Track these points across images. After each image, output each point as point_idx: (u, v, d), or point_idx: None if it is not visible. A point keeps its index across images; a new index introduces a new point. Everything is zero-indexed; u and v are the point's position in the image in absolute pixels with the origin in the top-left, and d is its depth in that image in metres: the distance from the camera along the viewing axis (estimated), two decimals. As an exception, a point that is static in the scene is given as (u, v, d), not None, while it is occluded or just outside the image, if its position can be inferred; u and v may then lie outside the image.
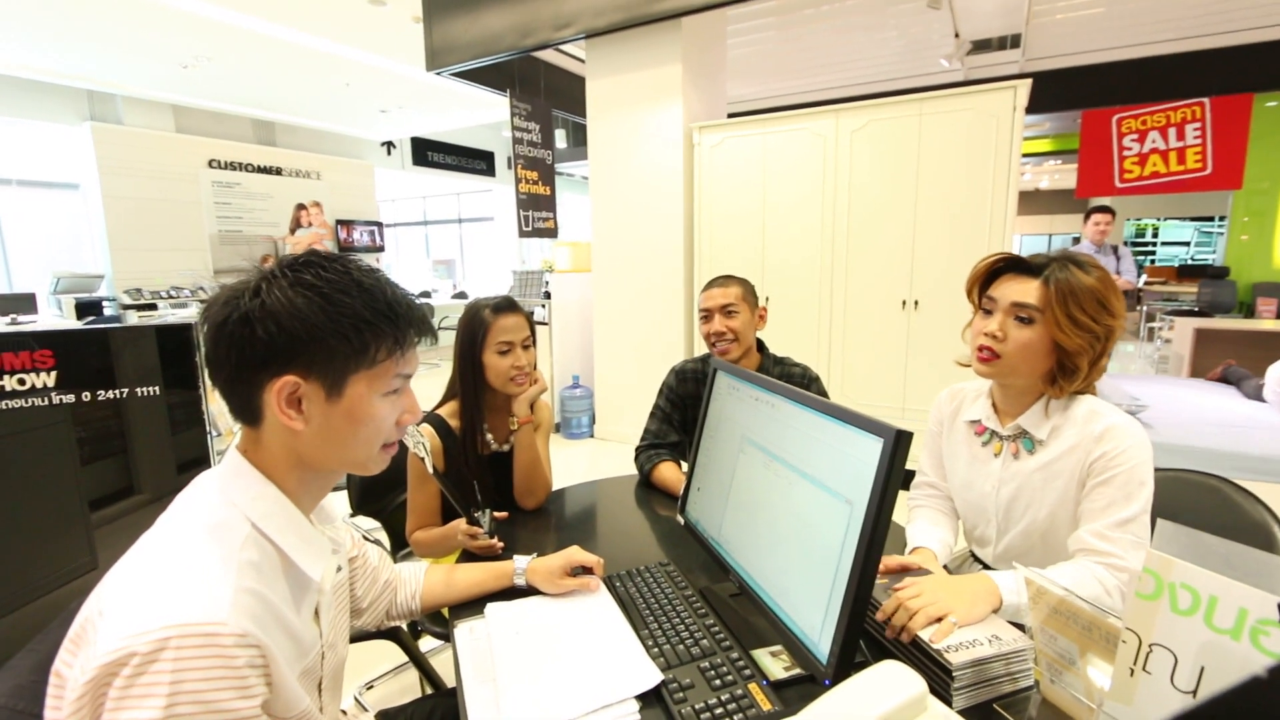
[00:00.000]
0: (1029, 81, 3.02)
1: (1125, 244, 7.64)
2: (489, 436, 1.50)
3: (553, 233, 5.04)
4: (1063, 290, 1.01)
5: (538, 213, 4.89)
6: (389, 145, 9.14)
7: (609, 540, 1.38)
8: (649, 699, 0.82)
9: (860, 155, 3.46)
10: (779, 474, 0.95)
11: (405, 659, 1.74)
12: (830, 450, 0.84)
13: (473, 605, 1.06)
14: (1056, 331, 1.02)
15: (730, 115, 4.14)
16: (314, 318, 0.65)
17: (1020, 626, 0.87)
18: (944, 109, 3.22)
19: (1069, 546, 1.03)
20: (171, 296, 6.49)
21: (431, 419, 1.46)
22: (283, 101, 7.01)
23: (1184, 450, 2.65)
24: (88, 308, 5.84)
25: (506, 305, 1.46)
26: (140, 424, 1.71)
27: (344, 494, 1.65)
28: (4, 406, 1.52)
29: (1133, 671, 0.64)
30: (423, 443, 1.24)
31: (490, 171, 10.44)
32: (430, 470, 1.23)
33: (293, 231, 7.96)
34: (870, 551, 0.74)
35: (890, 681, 0.65)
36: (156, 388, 1.73)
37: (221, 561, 0.61)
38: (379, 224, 8.98)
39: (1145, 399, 3.24)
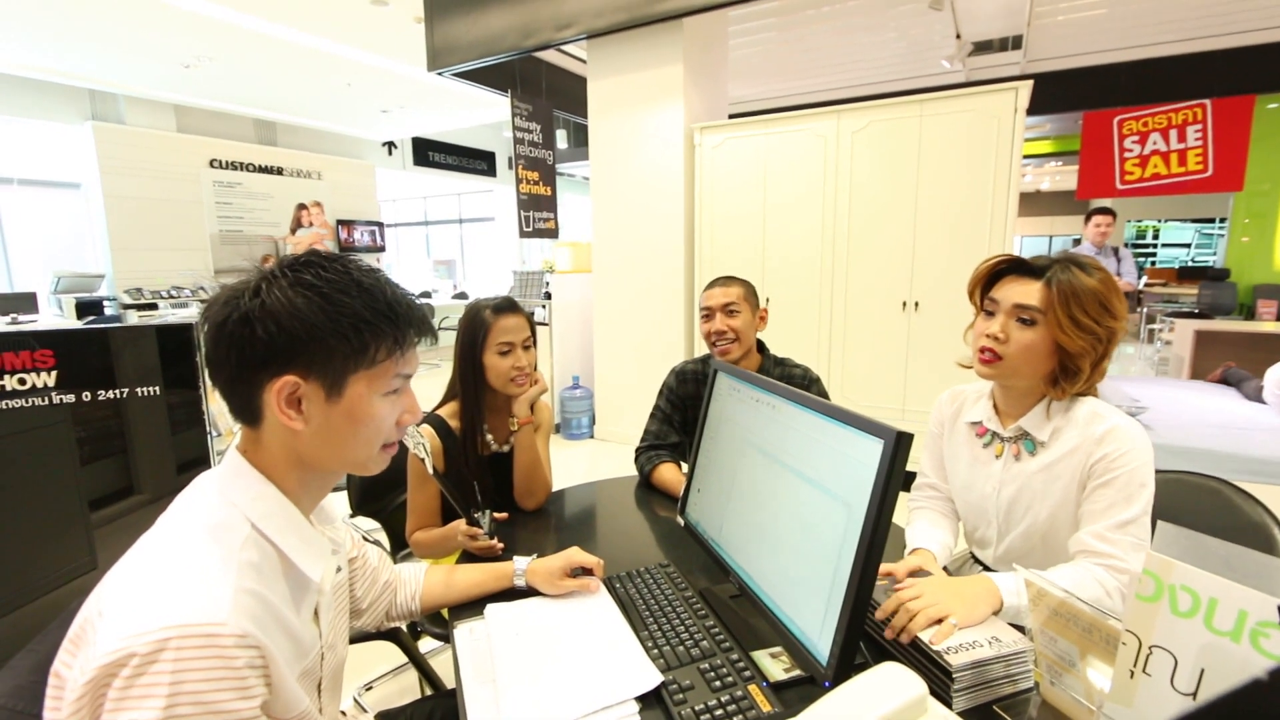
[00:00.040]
0: (1030, 83, 3.02)
1: (1126, 245, 7.63)
2: (489, 437, 1.50)
3: (553, 233, 5.04)
4: (1065, 292, 1.01)
5: (538, 213, 4.89)
6: (390, 145, 9.15)
7: (609, 541, 1.38)
8: (649, 700, 0.82)
9: (861, 156, 3.46)
10: (779, 475, 0.95)
11: (405, 660, 1.74)
12: (831, 451, 0.83)
13: (472, 606, 1.06)
14: (1058, 333, 1.02)
15: (731, 116, 4.14)
16: (314, 318, 0.65)
17: (1020, 628, 0.87)
18: (945, 110, 3.22)
19: (1069, 548, 1.03)
20: (172, 296, 6.50)
21: (432, 419, 1.46)
22: (284, 101, 7.02)
23: (1184, 452, 2.65)
24: (88, 307, 5.84)
25: (507, 306, 1.46)
26: (140, 424, 1.71)
27: (344, 494, 1.65)
28: (4, 406, 1.52)
29: (1133, 673, 0.64)
30: (423, 443, 1.24)
31: (491, 172, 10.44)
32: (430, 471, 1.23)
33: (293, 231, 7.96)
34: (870, 553, 0.74)
35: (890, 683, 0.65)
36: (157, 388, 1.73)
37: (221, 562, 0.61)
38: (380, 224, 8.98)
39: (1145, 401, 3.24)
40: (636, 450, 1.73)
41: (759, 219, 3.81)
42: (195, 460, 1.81)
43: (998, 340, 1.07)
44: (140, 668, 0.53)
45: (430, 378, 6.35)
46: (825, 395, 1.62)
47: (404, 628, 1.30)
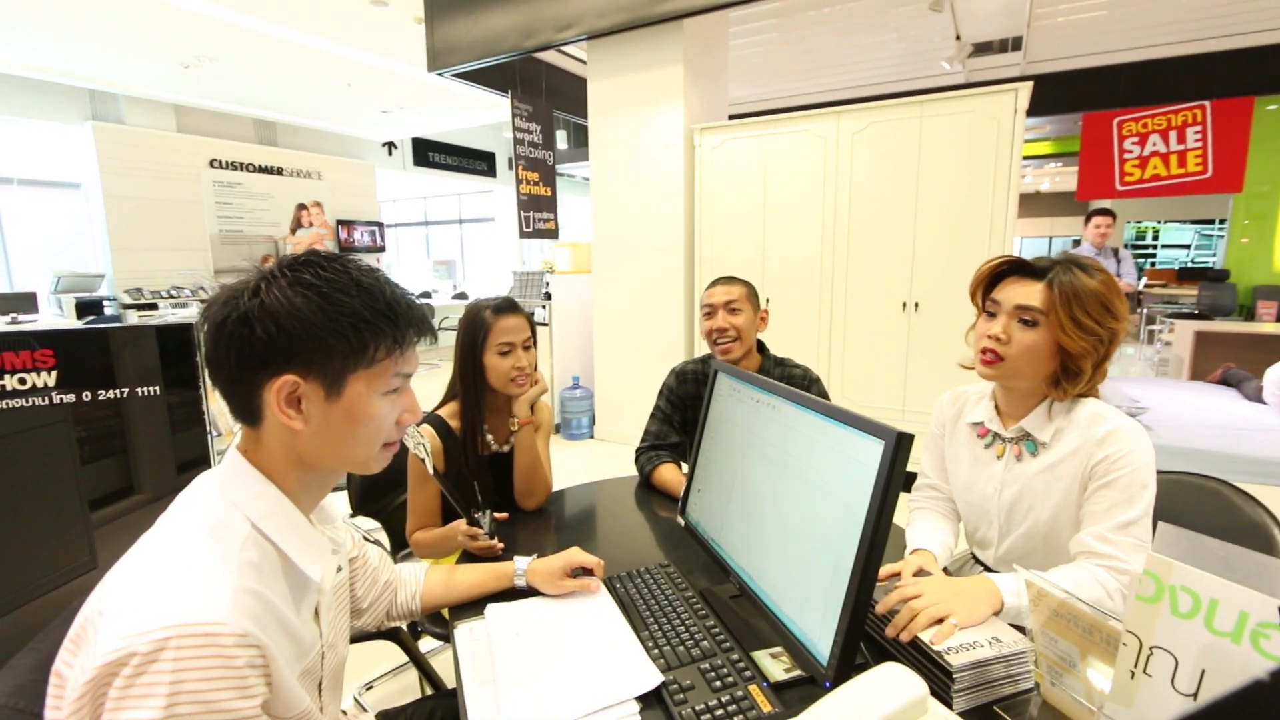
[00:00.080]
0: (1030, 84, 3.02)
1: (1125, 247, 7.63)
2: (489, 437, 1.50)
3: (553, 234, 5.04)
4: (1066, 293, 1.02)
5: (539, 214, 4.89)
6: (390, 145, 9.15)
7: (609, 541, 1.38)
8: (649, 700, 0.82)
9: (861, 157, 3.47)
10: (780, 476, 0.95)
11: (405, 659, 1.74)
12: (831, 452, 0.84)
13: (473, 606, 1.06)
14: (1060, 334, 1.02)
15: (731, 116, 4.14)
16: (313, 317, 0.65)
17: (1021, 629, 0.87)
18: (945, 111, 3.22)
19: (1070, 549, 1.03)
20: (172, 296, 6.50)
21: (432, 419, 1.47)
22: (284, 101, 7.02)
23: (1184, 453, 2.65)
24: (88, 307, 5.84)
25: (507, 306, 1.46)
26: (140, 424, 1.71)
27: (344, 494, 1.65)
28: (4, 406, 1.52)
29: (1133, 674, 0.64)
30: (423, 443, 1.24)
31: (491, 172, 10.45)
32: (430, 471, 1.23)
33: (293, 231, 7.96)
34: (871, 554, 0.74)
35: (891, 683, 0.65)
36: (157, 387, 1.73)
37: (221, 561, 0.61)
38: (380, 224, 8.98)
39: (1145, 401, 3.24)
40: (637, 450, 1.73)
41: (759, 219, 3.81)
42: (195, 460, 1.81)
43: (999, 341, 1.07)
44: (141, 667, 0.53)
45: (430, 378, 6.35)
46: (825, 396, 1.62)
47: (404, 627, 1.30)
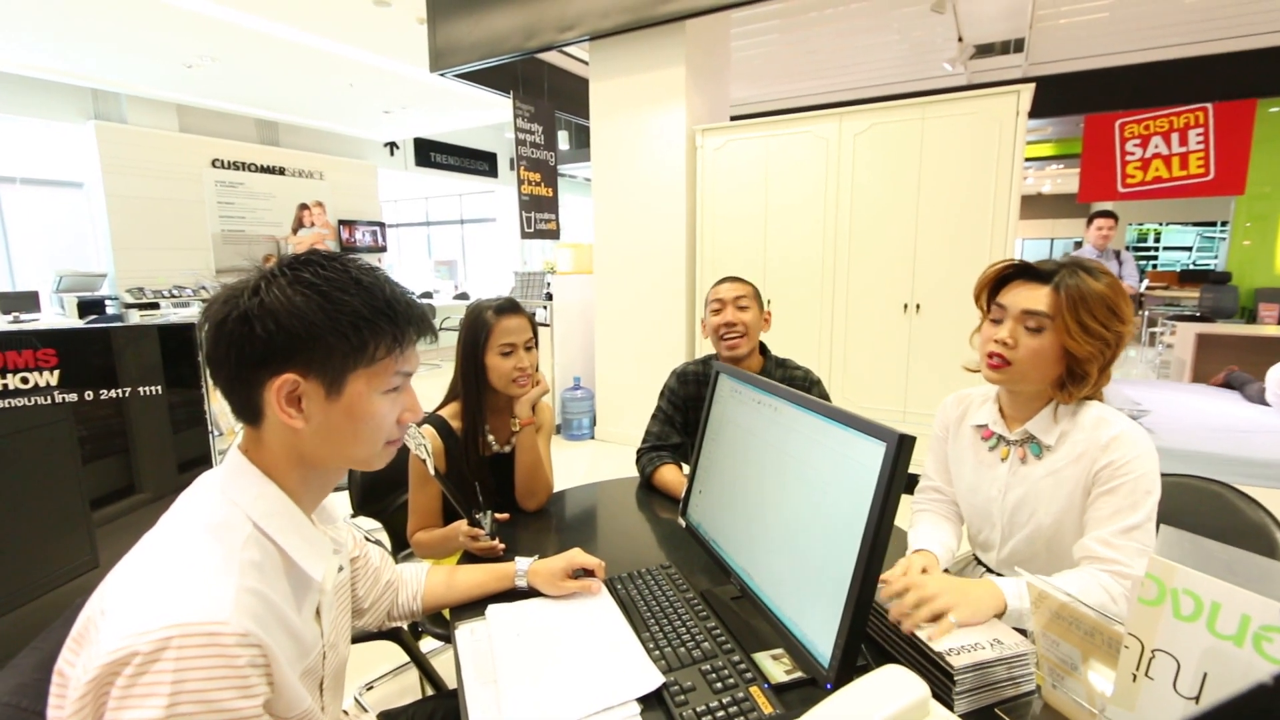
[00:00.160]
0: (1032, 86, 3.02)
1: (1127, 249, 7.62)
2: (490, 438, 1.50)
3: (555, 234, 5.04)
4: (1073, 297, 1.01)
5: (540, 214, 4.89)
6: (392, 146, 9.16)
7: (610, 542, 1.38)
8: (650, 701, 0.82)
9: (863, 158, 3.46)
10: (781, 477, 0.95)
11: (406, 660, 1.74)
12: (832, 454, 0.83)
13: (474, 606, 1.06)
14: (1067, 339, 1.02)
15: (733, 118, 4.14)
16: (313, 316, 0.65)
17: (1023, 632, 0.87)
18: (947, 113, 3.22)
19: (1074, 554, 1.03)
20: (174, 296, 6.50)
21: (433, 420, 1.47)
22: (286, 101, 7.03)
23: (1186, 455, 2.65)
24: (90, 306, 5.85)
25: (509, 307, 1.46)
26: (142, 423, 1.71)
27: (345, 494, 1.65)
28: (7, 405, 1.52)
29: (1135, 677, 0.64)
30: (424, 444, 1.24)
31: (493, 173, 10.45)
32: (431, 471, 1.23)
33: (295, 231, 7.97)
34: (872, 556, 0.74)
35: (893, 685, 0.65)
36: (158, 387, 1.73)
37: (223, 561, 0.61)
38: (381, 224, 8.99)
39: (1147, 404, 3.24)
40: (638, 451, 1.73)
41: (760, 221, 3.81)
42: (197, 459, 1.81)
43: (1006, 346, 1.07)
44: (143, 666, 0.53)
45: (431, 378, 6.36)
46: (826, 397, 1.62)
47: (405, 628, 1.30)
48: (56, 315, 5.90)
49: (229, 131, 7.38)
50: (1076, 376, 1.05)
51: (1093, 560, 0.98)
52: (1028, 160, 8.82)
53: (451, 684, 0.98)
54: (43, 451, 1.58)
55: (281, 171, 7.80)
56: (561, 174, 6.69)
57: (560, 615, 1.01)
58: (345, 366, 0.67)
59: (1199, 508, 1.25)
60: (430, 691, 1.43)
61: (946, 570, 1.16)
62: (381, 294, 0.70)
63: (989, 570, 1.22)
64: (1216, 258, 10.59)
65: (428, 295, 8.81)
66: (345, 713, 0.91)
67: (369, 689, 1.93)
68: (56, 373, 1.58)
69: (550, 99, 5.10)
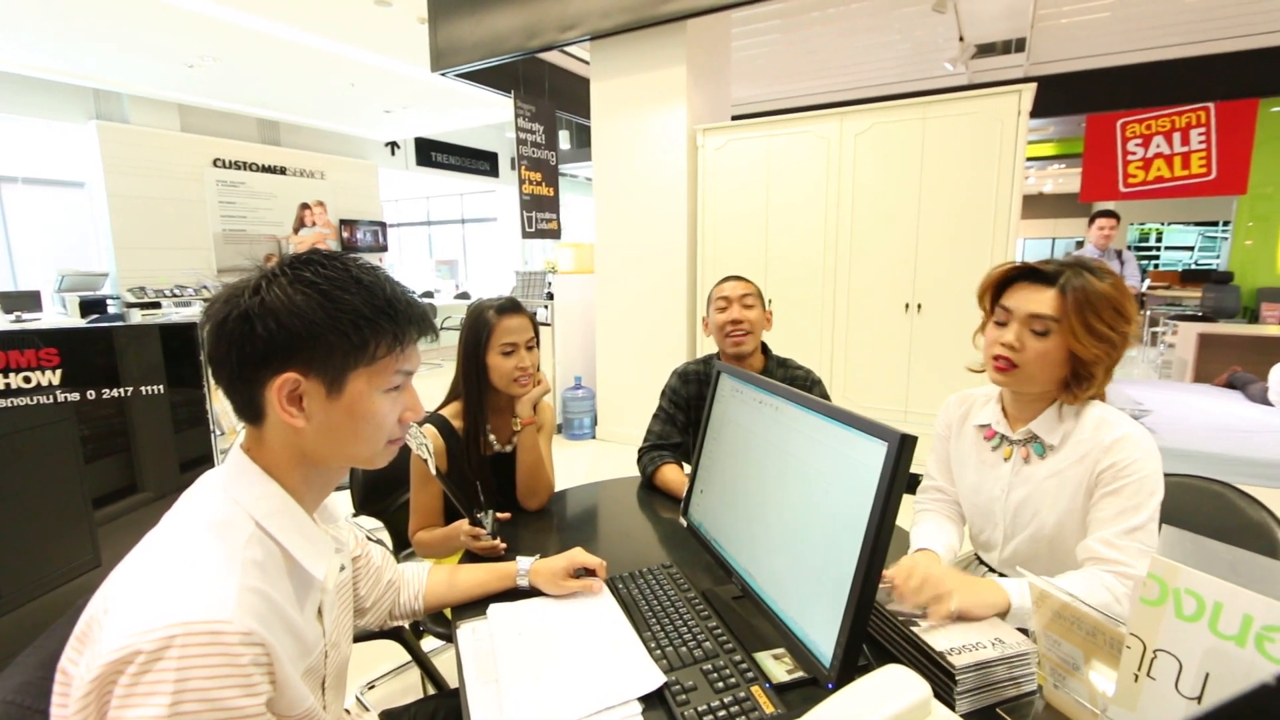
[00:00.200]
0: (1033, 85, 3.02)
1: (1129, 248, 7.61)
2: (492, 437, 1.50)
3: (556, 234, 5.04)
4: (1079, 300, 1.01)
5: (541, 214, 4.89)
6: (393, 145, 9.16)
7: (611, 542, 1.38)
8: (651, 701, 0.82)
9: (864, 158, 3.46)
10: (782, 477, 0.95)
11: (408, 659, 1.74)
12: (834, 454, 0.83)
13: (475, 606, 1.06)
14: (1074, 342, 1.02)
15: (734, 117, 4.14)
16: (313, 315, 0.65)
17: (1025, 632, 0.87)
18: (948, 112, 3.22)
19: (1077, 555, 1.03)
20: (175, 295, 6.51)
21: (434, 419, 1.47)
22: (287, 101, 7.04)
23: (1188, 455, 2.65)
24: (92, 306, 5.86)
25: (510, 306, 1.46)
26: (144, 422, 1.71)
27: (346, 494, 1.65)
28: (9, 404, 1.52)
29: (1137, 677, 0.64)
30: (425, 444, 1.24)
31: (494, 172, 10.46)
32: (433, 471, 1.23)
33: (296, 231, 7.98)
34: (874, 555, 0.74)
35: (894, 685, 0.65)
36: (160, 386, 1.73)
37: (225, 560, 0.62)
38: (382, 224, 8.99)
39: (1148, 404, 3.23)
40: (639, 450, 1.73)
41: (762, 220, 3.81)
42: (198, 459, 1.82)
43: (1013, 349, 1.06)
44: (146, 665, 0.53)
45: (432, 377, 6.36)
46: (827, 398, 1.62)
47: (407, 627, 1.30)
48: (58, 315, 5.91)
49: (230, 131, 7.39)
50: (1082, 378, 1.05)
51: (1096, 561, 0.98)
52: (1029, 160, 8.82)
53: (453, 683, 0.98)
54: (45, 451, 1.58)
55: (283, 171, 7.81)
56: (562, 173, 6.69)
57: (562, 615, 1.01)
58: (346, 365, 0.68)
59: (1201, 508, 1.25)
60: (432, 690, 1.43)
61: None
62: (382, 293, 0.70)
63: (991, 570, 1.22)
64: (1218, 257, 10.57)
65: (429, 295, 8.82)
66: (347, 712, 0.91)
67: (370, 688, 1.93)
68: (59, 372, 1.58)
69: (551, 98, 5.10)
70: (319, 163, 8.17)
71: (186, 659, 0.54)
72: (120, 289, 6.39)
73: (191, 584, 0.58)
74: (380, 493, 1.73)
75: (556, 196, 5.05)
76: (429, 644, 1.84)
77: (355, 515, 1.75)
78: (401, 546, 1.73)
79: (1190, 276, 9.44)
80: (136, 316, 5.92)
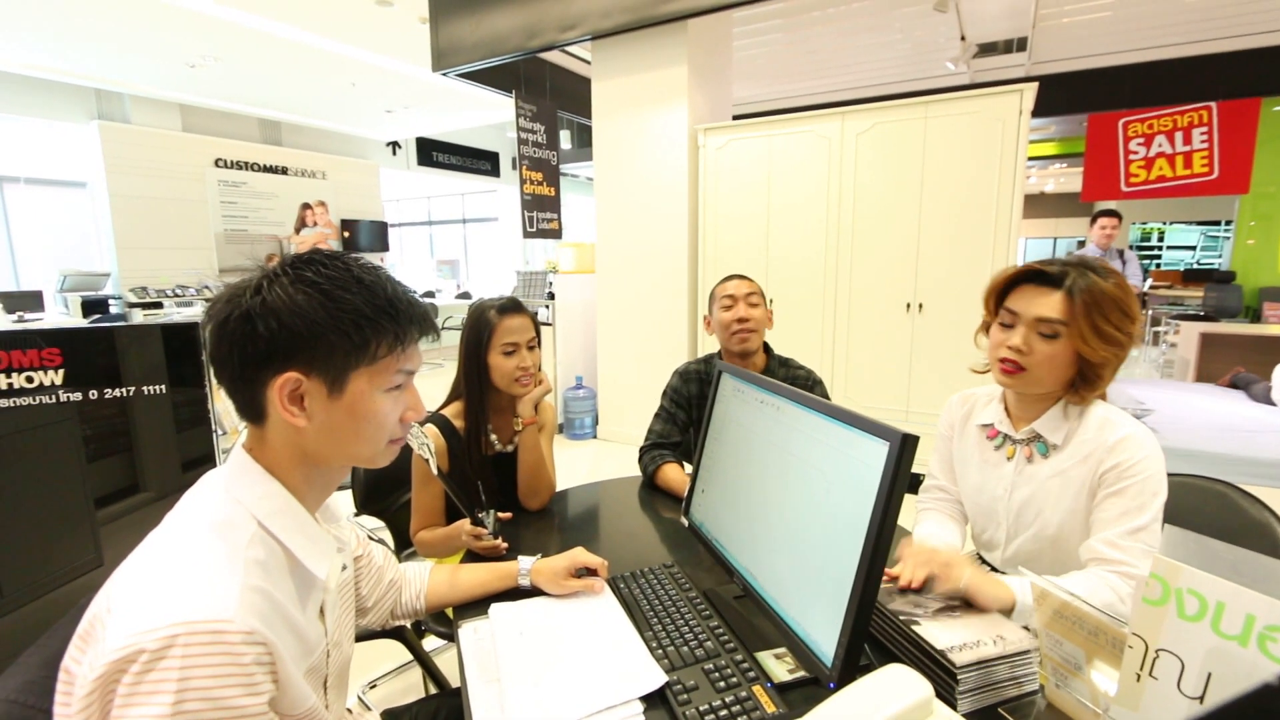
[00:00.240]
0: (1035, 85, 3.01)
1: (1131, 248, 7.61)
2: (493, 437, 1.51)
3: (557, 234, 5.04)
4: (1088, 303, 1.00)
5: (542, 213, 4.89)
6: (394, 145, 9.16)
7: (613, 541, 1.38)
8: (653, 700, 0.82)
9: (865, 158, 3.46)
10: (784, 477, 0.95)
11: (409, 658, 1.75)
12: (835, 453, 0.83)
13: (477, 605, 1.06)
14: (1082, 345, 1.01)
15: (735, 117, 4.14)
16: (314, 314, 0.65)
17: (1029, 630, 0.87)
18: (949, 112, 3.22)
19: (1081, 555, 1.03)
20: (177, 295, 6.51)
21: (436, 419, 1.47)
22: (289, 101, 7.04)
23: (1190, 454, 2.64)
24: (94, 306, 5.87)
25: (512, 306, 1.47)
26: (146, 422, 1.72)
27: (348, 493, 1.65)
28: (11, 404, 1.52)
29: (1139, 677, 0.64)
30: (427, 444, 1.24)
31: (495, 172, 10.46)
32: (434, 470, 1.23)
33: (298, 231, 7.98)
34: (875, 555, 0.73)
35: (896, 685, 0.65)
36: (162, 386, 1.73)
37: (228, 559, 0.62)
38: (384, 224, 8.99)
39: (1150, 403, 3.23)
40: (641, 449, 1.73)
41: (763, 220, 3.81)
42: (200, 458, 1.82)
43: (1020, 353, 1.06)
44: (149, 664, 0.53)
45: (433, 377, 6.37)
46: (827, 399, 1.62)
47: (408, 626, 1.30)
48: (60, 315, 5.92)
49: (232, 131, 7.39)
50: (1090, 379, 1.05)
51: (1100, 562, 0.98)
52: (1031, 159, 8.82)
53: (454, 682, 0.98)
54: (47, 450, 1.58)
55: (284, 171, 7.82)
56: (564, 173, 6.69)
57: (563, 614, 1.01)
58: (347, 365, 0.68)
59: (1203, 507, 1.25)
60: (433, 690, 1.43)
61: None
62: (383, 292, 0.70)
63: (993, 569, 1.22)
64: (1220, 257, 10.54)
65: (430, 294, 8.83)
66: (349, 711, 0.91)
67: (372, 687, 1.93)
68: (61, 372, 1.58)
69: (552, 98, 5.10)
70: (320, 163, 8.17)
71: (189, 658, 0.54)
72: (122, 289, 6.39)
73: (194, 583, 0.58)
74: (382, 492, 1.73)
75: (558, 196, 5.06)
76: (431, 643, 1.84)
77: (357, 515, 1.76)
78: (403, 546, 1.73)
79: (1192, 276, 9.42)
80: (138, 316, 5.93)
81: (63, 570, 1.61)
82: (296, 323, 0.65)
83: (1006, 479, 1.14)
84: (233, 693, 0.55)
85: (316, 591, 0.73)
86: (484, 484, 1.39)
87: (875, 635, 0.92)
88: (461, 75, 4.74)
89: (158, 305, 6.26)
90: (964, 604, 0.91)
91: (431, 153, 9.50)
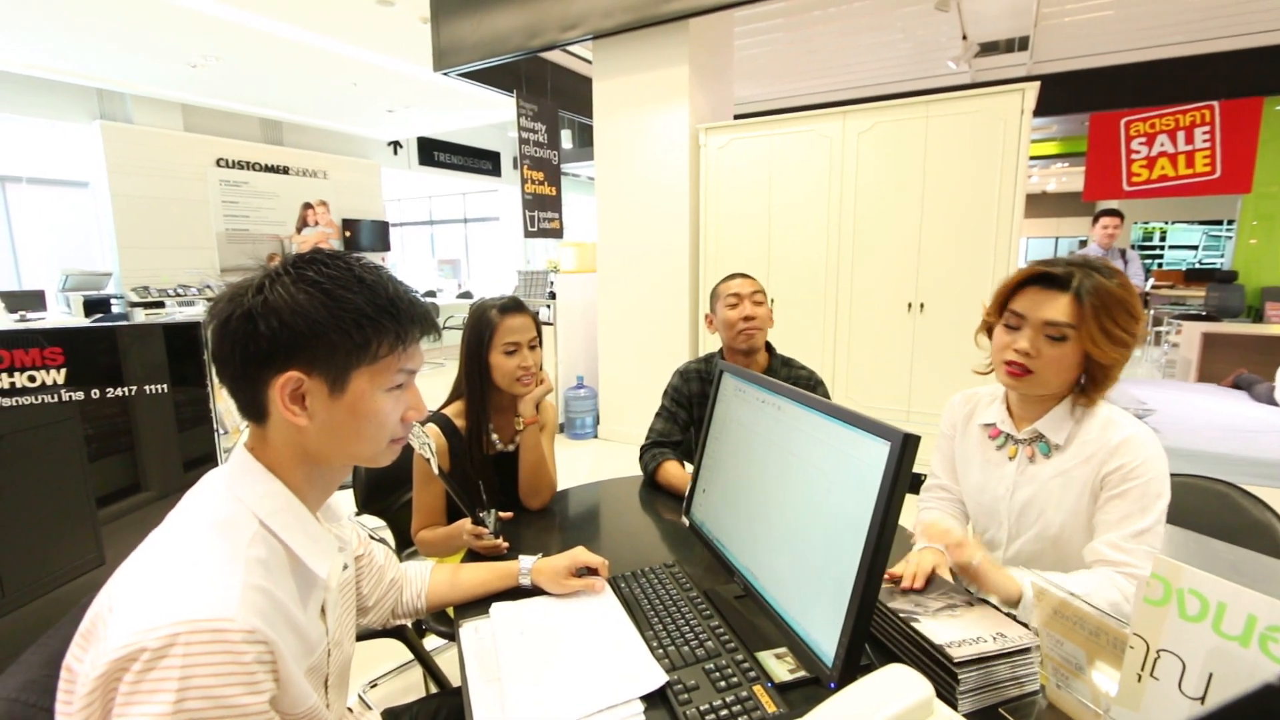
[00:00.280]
0: (1037, 84, 3.01)
1: (1133, 247, 7.60)
2: (494, 436, 1.51)
3: (558, 233, 5.04)
4: (1096, 305, 1.00)
5: (543, 213, 4.89)
6: (395, 145, 9.17)
7: (614, 541, 1.39)
8: (654, 700, 0.82)
9: (867, 157, 3.46)
10: (785, 476, 0.95)
11: (410, 658, 1.74)
12: (837, 453, 0.83)
13: (478, 605, 1.06)
14: (1091, 347, 1.01)
15: (737, 116, 4.14)
16: (316, 314, 0.65)
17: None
18: (951, 111, 3.21)
19: (1084, 557, 1.02)
20: (179, 294, 6.52)
21: (437, 418, 1.47)
22: (290, 101, 7.05)
23: (1191, 455, 2.64)
24: (96, 305, 5.88)
25: (513, 305, 1.47)
26: (148, 421, 1.72)
27: (349, 492, 1.65)
28: (14, 403, 1.53)
29: (1140, 677, 0.64)
30: (428, 443, 1.24)
31: (496, 171, 10.46)
32: (435, 470, 1.23)
33: (299, 230, 7.99)
34: (877, 555, 0.73)
35: (896, 685, 0.65)
36: (164, 385, 1.74)
37: (229, 558, 0.62)
38: (385, 223, 9.00)
39: (1152, 403, 3.22)
40: (642, 448, 1.74)
41: (764, 219, 3.81)
42: (202, 458, 1.82)
43: (1028, 356, 1.05)
44: (150, 662, 0.53)
45: (434, 377, 6.37)
46: (828, 398, 1.62)
47: (409, 625, 1.30)
48: (62, 314, 5.93)
49: (233, 131, 7.40)
50: (1098, 380, 1.04)
51: (1103, 564, 0.98)
52: (1032, 159, 8.80)
53: (455, 682, 0.98)
54: (49, 449, 1.59)
55: (286, 171, 7.82)
56: (565, 173, 6.68)
57: (564, 614, 1.01)
58: (348, 364, 0.68)
59: (1204, 507, 1.24)
60: (434, 689, 1.43)
61: (951, 570, 1.16)
62: (384, 292, 0.70)
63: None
64: (1223, 256, 10.52)
65: (431, 294, 8.84)
66: (350, 710, 0.91)
67: (373, 686, 1.93)
68: (63, 371, 1.58)
69: (553, 98, 5.10)
70: (322, 162, 8.18)
71: (191, 656, 0.54)
72: (124, 288, 6.40)
73: (195, 582, 0.58)
74: (383, 491, 1.73)
75: (559, 196, 5.06)
76: (431, 643, 1.84)
77: (358, 514, 1.76)
78: (404, 545, 1.73)
79: (1194, 276, 9.41)
80: (140, 316, 5.94)
81: (64, 569, 1.61)
82: (298, 322, 0.65)
83: (1008, 479, 1.14)
84: (234, 691, 0.55)
85: (318, 590, 0.73)
86: (485, 483, 1.39)
87: (876, 635, 0.92)
88: (463, 75, 4.74)
89: (159, 305, 6.27)
90: (965, 604, 0.91)
91: (433, 152, 9.51)
